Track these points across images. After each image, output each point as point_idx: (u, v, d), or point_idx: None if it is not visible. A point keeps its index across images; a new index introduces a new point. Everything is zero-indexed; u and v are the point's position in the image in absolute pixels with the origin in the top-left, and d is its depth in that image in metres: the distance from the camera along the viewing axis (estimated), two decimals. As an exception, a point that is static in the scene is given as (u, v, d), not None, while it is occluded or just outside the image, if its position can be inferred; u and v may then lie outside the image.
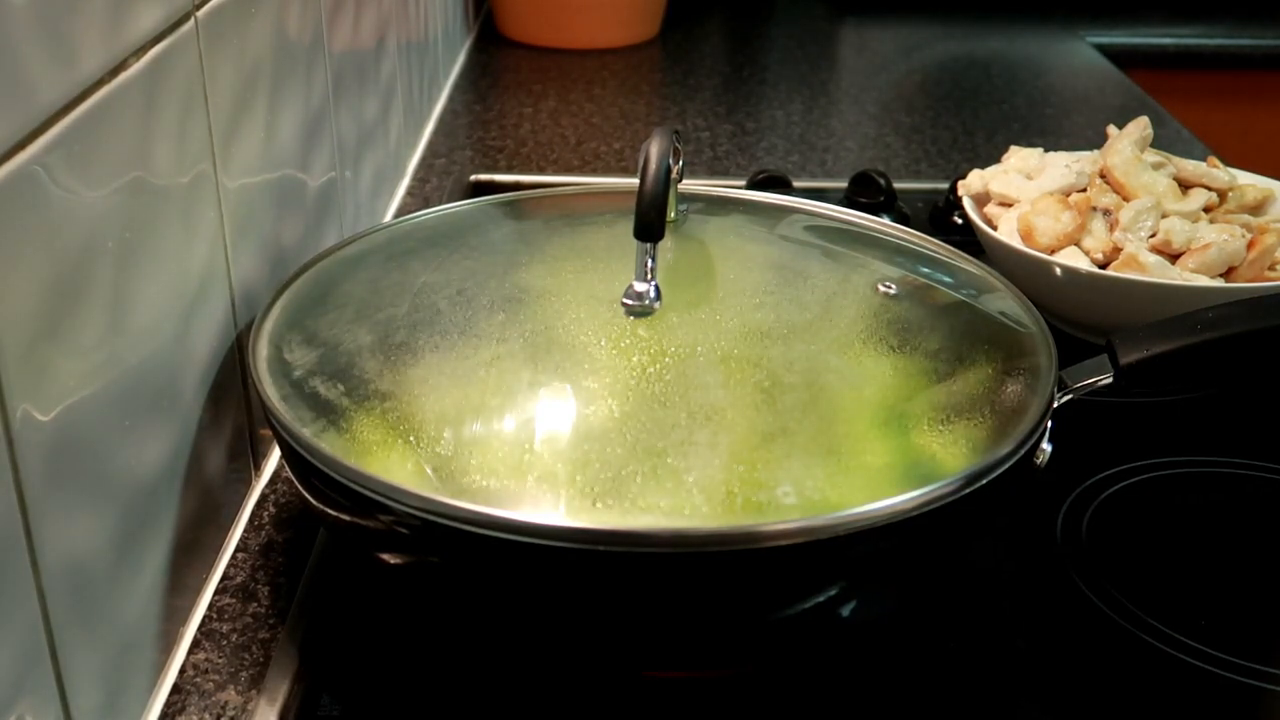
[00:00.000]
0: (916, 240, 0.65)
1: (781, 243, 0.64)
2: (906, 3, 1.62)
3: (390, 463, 0.49)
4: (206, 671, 0.51)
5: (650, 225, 0.53)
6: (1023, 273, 0.76)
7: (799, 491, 0.47)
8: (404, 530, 0.45)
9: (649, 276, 0.54)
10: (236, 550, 0.58)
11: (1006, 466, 0.48)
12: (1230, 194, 0.77)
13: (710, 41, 1.50)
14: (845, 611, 0.48)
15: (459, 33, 1.37)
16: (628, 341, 0.52)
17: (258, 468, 0.63)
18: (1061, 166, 0.79)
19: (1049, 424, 0.51)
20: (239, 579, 0.56)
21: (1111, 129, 0.81)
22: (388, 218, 0.94)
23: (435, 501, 0.45)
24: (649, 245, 0.54)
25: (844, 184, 0.95)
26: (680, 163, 0.59)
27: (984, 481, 0.47)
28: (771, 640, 0.49)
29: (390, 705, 0.50)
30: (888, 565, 0.48)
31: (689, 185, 0.67)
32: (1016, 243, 0.75)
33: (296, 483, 0.52)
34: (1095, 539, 0.60)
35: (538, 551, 0.43)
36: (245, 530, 0.59)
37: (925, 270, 0.63)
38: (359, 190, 0.83)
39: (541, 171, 1.06)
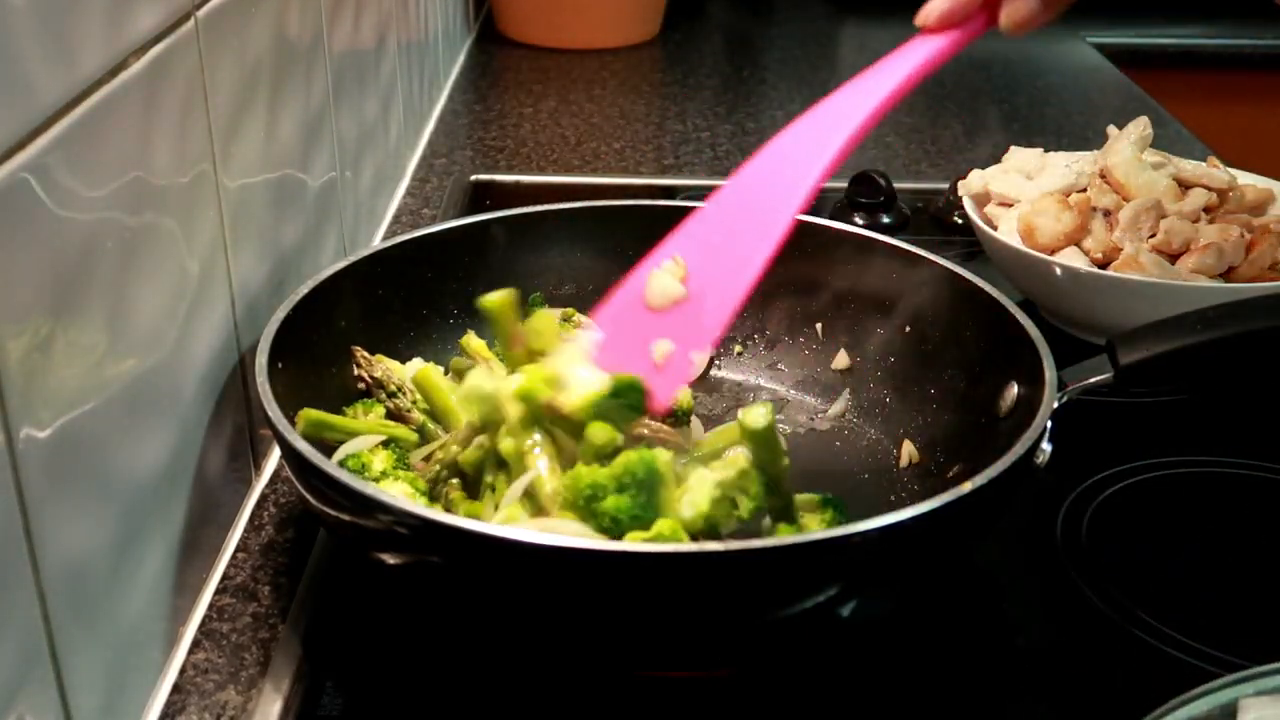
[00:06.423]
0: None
1: None
2: (906, 3, 1.62)
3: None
4: (206, 671, 0.51)
5: None
6: (1023, 273, 0.76)
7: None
8: (402, 530, 0.45)
9: None
10: (236, 550, 0.58)
11: (1006, 466, 0.48)
12: (1230, 194, 0.77)
13: (710, 41, 1.50)
14: (847, 612, 0.48)
15: (459, 33, 1.37)
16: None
17: (258, 468, 0.63)
18: (1061, 166, 0.79)
19: (1049, 424, 0.51)
20: (239, 579, 0.56)
21: (1111, 129, 0.81)
22: (388, 217, 0.94)
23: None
24: None
25: (844, 184, 0.95)
26: None
27: (984, 482, 0.47)
28: (775, 640, 0.49)
29: (390, 704, 0.50)
30: (889, 567, 0.48)
31: (689, 184, 0.67)
32: (1016, 243, 0.75)
33: (296, 482, 0.52)
34: (1095, 539, 0.60)
35: (536, 551, 0.43)
36: (245, 530, 0.59)
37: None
38: (359, 190, 0.83)
39: (541, 171, 1.06)
